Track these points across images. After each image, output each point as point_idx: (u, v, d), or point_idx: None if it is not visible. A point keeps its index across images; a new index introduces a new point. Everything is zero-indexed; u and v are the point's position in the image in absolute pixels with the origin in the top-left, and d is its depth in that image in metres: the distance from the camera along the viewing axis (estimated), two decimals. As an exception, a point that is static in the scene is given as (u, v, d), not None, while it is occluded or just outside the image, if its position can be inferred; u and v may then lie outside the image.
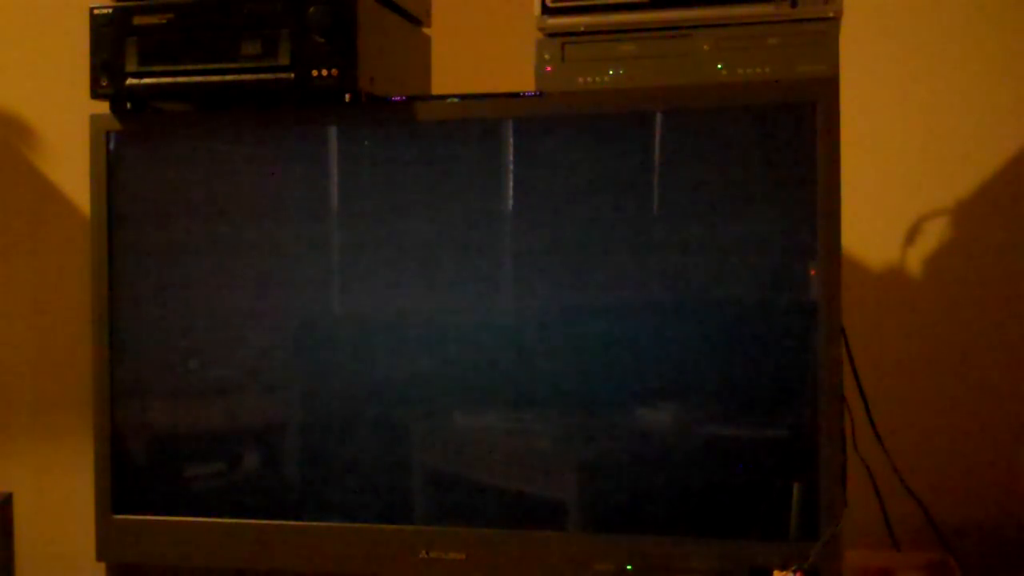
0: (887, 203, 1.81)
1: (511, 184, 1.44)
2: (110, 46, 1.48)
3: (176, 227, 1.53)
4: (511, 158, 1.43)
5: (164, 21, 1.47)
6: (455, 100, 1.45)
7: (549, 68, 1.43)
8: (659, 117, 1.40)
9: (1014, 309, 1.79)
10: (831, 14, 1.36)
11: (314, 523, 1.48)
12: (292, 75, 1.43)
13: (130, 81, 1.48)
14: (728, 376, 1.38)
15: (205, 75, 1.46)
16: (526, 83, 1.44)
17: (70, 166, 2.01)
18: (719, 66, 1.38)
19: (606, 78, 1.41)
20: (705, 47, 1.39)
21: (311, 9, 1.42)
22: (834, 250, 1.34)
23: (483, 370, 1.45)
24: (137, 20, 1.48)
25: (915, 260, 1.82)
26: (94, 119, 1.53)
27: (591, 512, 1.45)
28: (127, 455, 1.54)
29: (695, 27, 1.39)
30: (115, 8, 1.48)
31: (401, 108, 1.46)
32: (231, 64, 1.45)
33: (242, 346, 1.53)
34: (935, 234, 1.81)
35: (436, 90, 1.69)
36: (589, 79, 1.42)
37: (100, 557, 1.55)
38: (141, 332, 1.54)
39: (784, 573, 1.32)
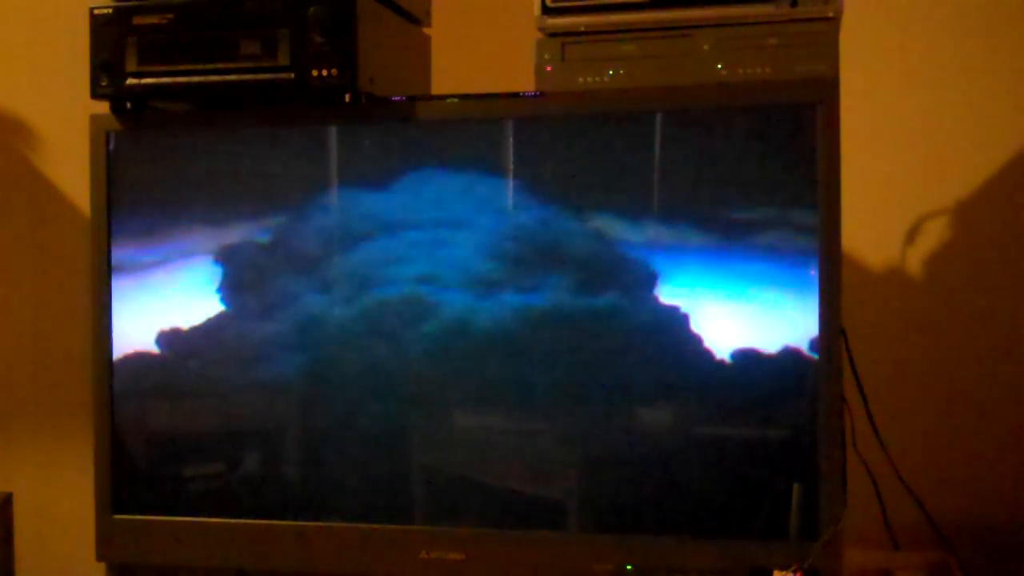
0: (887, 203, 1.81)
1: (511, 184, 1.44)
2: (110, 46, 1.48)
3: (176, 227, 1.53)
4: (511, 158, 1.43)
5: (164, 21, 1.47)
6: (455, 100, 1.45)
7: (549, 68, 1.43)
8: (659, 117, 1.40)
9: (1014, 309, 1.79)
10: (831, 14, 1.36)
11: (314, 523, 1.48)
12: (292, 75, 1.43)
13: (130, 81, 1.48)
14: (728, 376, 1.38)
15: (205, 75, 1.46)
16: (526, 83, 1.44)
17: (70, 166, 2.01)
18: (719, 66, 1.38)
19: (606, 78, 1.41)
20: (705, 47, 1.39)
21: (311, 9, 1.42)
22: (834, 250, 1.34)
23: (483, 370, 1.45)
24: (137, 20, 1.48)
25: (915, 260, 1.82)
26: (94, 119, 1.53)
27: (591, 512, 1.45)
28: (127, 455, 1.54)
29: (695, 27, 1.39)
30: (115, 8, 1.48)
31: (401, 108, 1.46)
32: (231, 64, 1.45)
33: (241, 346, 1.53)
34: (935, 234, 1.81)
35: (436, 90, 1.69)
36: (589, 79, 1.42)
37: (100, 557, 1.55)
38: (141, 333, 1.53)
39: (784, 573, 1.32)
